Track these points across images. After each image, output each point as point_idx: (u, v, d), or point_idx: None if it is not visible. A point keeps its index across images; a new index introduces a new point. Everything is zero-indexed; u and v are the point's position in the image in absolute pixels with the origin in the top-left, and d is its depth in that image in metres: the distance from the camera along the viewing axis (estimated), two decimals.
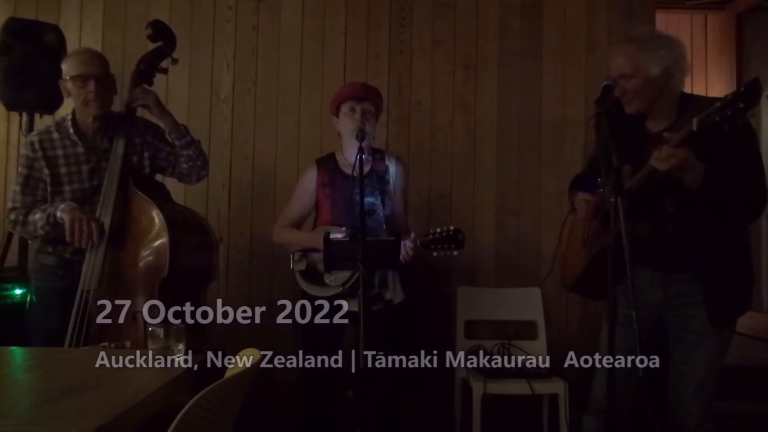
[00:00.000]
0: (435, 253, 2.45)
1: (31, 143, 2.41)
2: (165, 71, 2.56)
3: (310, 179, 2.76)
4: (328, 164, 2.75)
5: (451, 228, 2.43)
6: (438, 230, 2.44)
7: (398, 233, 2.50)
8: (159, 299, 2.13)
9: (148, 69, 2.50)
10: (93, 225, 2.22)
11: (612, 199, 1.84)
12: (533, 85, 3.49)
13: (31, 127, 2.98)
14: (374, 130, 2.71)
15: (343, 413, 2.63)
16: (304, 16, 3.47)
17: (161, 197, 2.39)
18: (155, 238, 2.26)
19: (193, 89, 3.44)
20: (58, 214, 2.26)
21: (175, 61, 2.55)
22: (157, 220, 2.26)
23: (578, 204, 2.25)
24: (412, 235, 2.51)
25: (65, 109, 2.67)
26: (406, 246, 2.49)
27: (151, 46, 2.53)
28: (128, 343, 2.02)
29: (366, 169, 2.62)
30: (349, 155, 2.67)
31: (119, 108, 2.51)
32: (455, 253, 2.44)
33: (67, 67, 2.39)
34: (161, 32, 2.51)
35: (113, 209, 2.28)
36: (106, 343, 2.02)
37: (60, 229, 2.27)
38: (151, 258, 2.26)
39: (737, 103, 1.73)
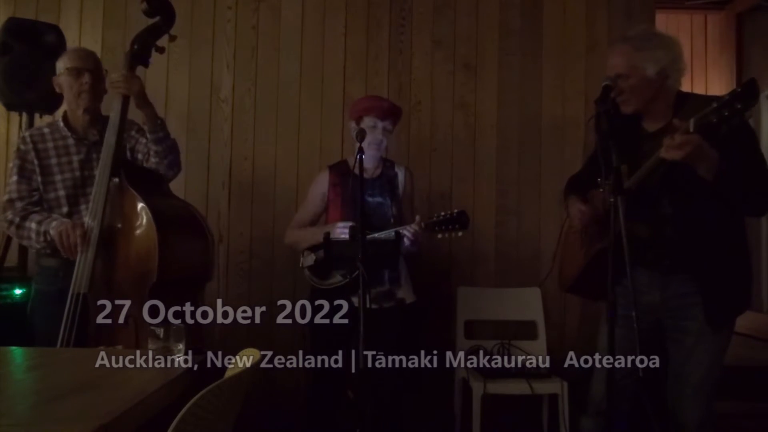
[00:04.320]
0: (440, 235, 2.52)
1: (23, 138, 2.48)
2: (162, 50, 2.39)
3: (322, 182, 2.82)
4: (340, 168, 2.83)
5: (455, 210, 2.52)
6: (442, 213, 2.52)
7: (398, 233, 2.53)
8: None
9: (142, 49, 2.34)
10: (77, 232, 2.22)
11: (611, 199, 1.83)
12: (533, 85, 3.49)
13: (31, 127, 2.98)
14: (388, 142, 2.79)
15: (344, 413, 2.64)
16: (304, 16, 3.47)
17: (156, 192, 2.30)
18: (144, 242, 2.16)
19: (193, 89, 3.44)
20: (52, 232, 2.29)
21: (173, 38, 2.39)
22: (146, 221, 2.15)
23: (573, 215, 2.26)
24: (417, 217, 2.56)
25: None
26: (411, 227, 2.53)
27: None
28: (120, 347, 2.00)
29: (377, 173, 2.78)
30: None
31: (107, 105, 2.49)
32: (460, 234, 2.51)
33: (62, 62, 2.44)
34: (158, 6, 2.33)
35: (105, 206, 2.23)
36: (100, 348, 2.00)
37: (54, 243, 2.30)
38: (140, 262, 2.18)
39: (734, 103, 1.72)
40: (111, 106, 2.36)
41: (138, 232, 2.19)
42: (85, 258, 2.22)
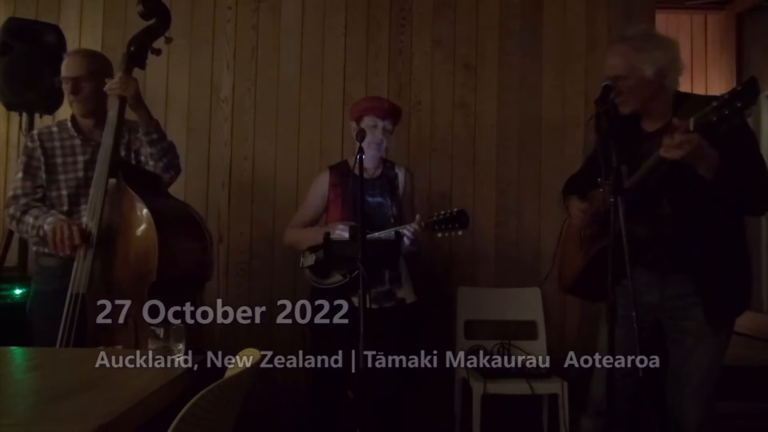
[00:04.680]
0: (440, 234, 2.53)
1: (31, 135, 2.50)
2: (158, 52, 2.40)
3: (323, 183, 2.82)
4: (340, 168, 2.83)
5: (455, 209, 2.52)
6: (442, 212, 2.53)
7: (398, 232, 2.53)
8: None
9: (139, 51, 2.35)
10: (74, 229, 2.20)
11: (612, 199, 1.83)
12: (533, 85, 3.49)
13: (31, 127, 2.99)
14: (388, 142, 2.79)
15: (344, 413, 2.64)
16: (304, 16, 3.47)
17: (154, 192, 2.30)
18: (143, 241, 2.14)
19: (193, 89, 3.44)
20: (45, 227, 2.28)
21: (169, 40, 2.41)
22: (145, 221, 2.14)
23: (574, 214, 2.26)
24: (417, 216, 2.56)
25: (65, 109, 2.68)
26: (411, 226, 2.53)
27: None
28: (120, 347, 2.00)
29: (377, 173, 2.78)
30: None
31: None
32: (459, 233, 2.51)
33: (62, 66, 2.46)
34: (153, 8, 2.36)
35: (103, 206, 2.22)
36: (99, 348, 2.00)
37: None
38: (139, 262, 2.16)
39: (734, 102, 1.71)
40: (110, 107, 2.36)
41: (137, 231, 2.17)
42: (83, 258, 2.21)
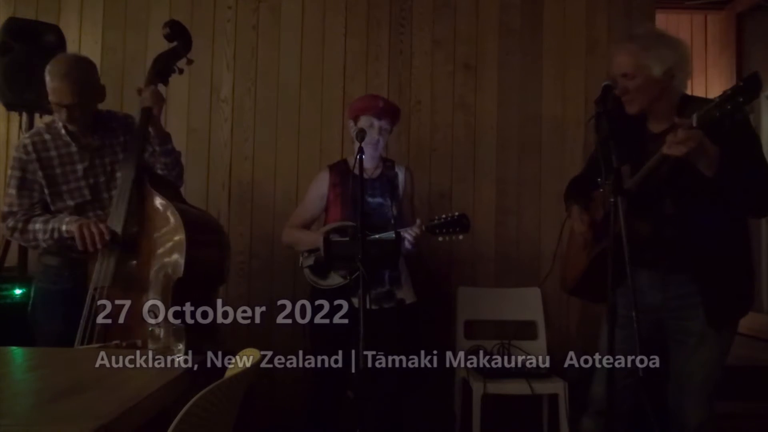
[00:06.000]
0: (440, 238, 2.52)
1: (24, 146, 2.38)
2: (181, 71, 2.53)
3: (322, 182, 2.82)
4: (340, 168, 2.83)
5: (456, 213, 2.51)
6: (443, 216, 2.52)
7: (398, 233, 2.53)
8: (173, 300, 2.10)
9: (164, 69, 2.47)
10: (102, 227, 2.20)
11: (612, 199, 1.83)
12: (533, 85, 3.49)
13: (31, 127, 2.97)
14: (386, 142, 2.81)
15: (344, 413, 2.64)
16: (304, 16, 3.47)
17: (176, 197, 2.37)
18: (171, 239, 2.20)
19: (193, 89, 3.44)
20: (64, 228, 2.26)
21: (190, 62, 2.54)
22: (173, 220, 2.20)
23: (576, 229, 2.25)
24: (418, 220, 2.55)
25: None
26: (411, 230, 2.53)
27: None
28: (140, 342, 1.99)
29: (377, 173, 2.78)
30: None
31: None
32: (460, 237, 2.51)
33: (46, 83, 2.32)
34: (177, 32, 2.49)
35: (127, 212, 2.23)
36: (117, 341, 2.00)
37: (65, 240, 2.26)
38: (166, 258, 2.20)
39: (736, 97, 1.70)
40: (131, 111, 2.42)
41: (164, 231, 2.22)
42: (107, 257, 2.21)
